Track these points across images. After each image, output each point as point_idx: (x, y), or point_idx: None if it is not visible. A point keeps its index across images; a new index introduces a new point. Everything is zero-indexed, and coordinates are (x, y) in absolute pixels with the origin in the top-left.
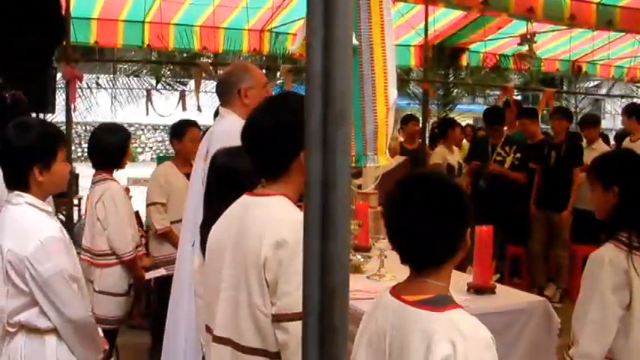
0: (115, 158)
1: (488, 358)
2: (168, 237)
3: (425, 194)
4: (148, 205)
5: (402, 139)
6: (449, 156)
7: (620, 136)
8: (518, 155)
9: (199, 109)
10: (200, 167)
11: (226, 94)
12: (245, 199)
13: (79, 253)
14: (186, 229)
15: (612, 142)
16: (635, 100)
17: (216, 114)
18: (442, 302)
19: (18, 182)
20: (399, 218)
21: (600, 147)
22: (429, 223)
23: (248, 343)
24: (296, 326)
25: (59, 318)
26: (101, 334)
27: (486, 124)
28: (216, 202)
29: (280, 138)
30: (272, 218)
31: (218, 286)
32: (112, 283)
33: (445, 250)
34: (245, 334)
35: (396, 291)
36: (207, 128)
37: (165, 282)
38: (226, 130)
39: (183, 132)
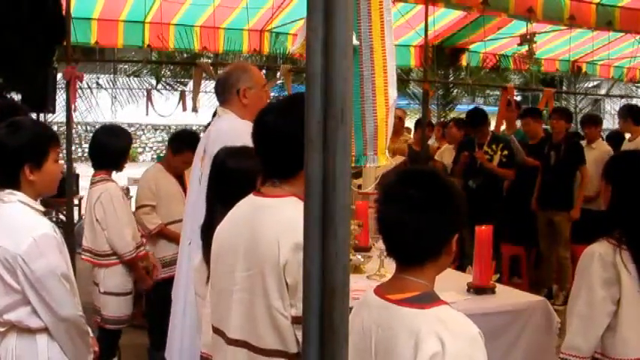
0: (117, 160)
1: (478, 353)
2: (164, 235)
3: (415, 187)
4: (136, 208)
5: (411, 139)
6: (447, 155)
7: (615, 136)
8: (505, 152)
9: (195, 110)
10: (197, 167)
11: (225, 93)
12: (252, 200)
13: (79, 254)
14: (185, 229)
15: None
16: (634, 100)
17: (215, 114)
18: (427, 299)
19: (9, 181)
20: (386, 207)
21: (601, 146)
22: (413, 215)
23: (266, 345)
24: None
25: (50, 316)
26: (91, 334)
27: (471, 127)
28: (218, 202)
29: (300, 140)
30: (288, 220)
31: (230, 289)
32: (116, 283)
33: (427, 248)
34: (263, 336)
35: (380, 290)
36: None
37: (165, 282)
38: (225, 129)
39: (179, 150)
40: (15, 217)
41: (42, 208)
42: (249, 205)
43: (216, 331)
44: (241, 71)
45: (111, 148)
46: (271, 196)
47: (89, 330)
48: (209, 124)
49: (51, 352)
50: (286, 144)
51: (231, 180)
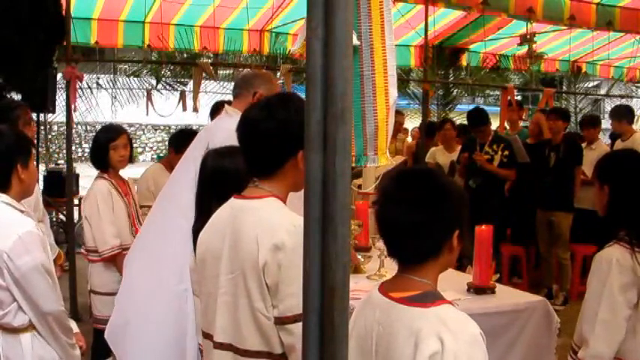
0: (97, 158)
1: (478, 353)
2: None
3: (413, 188)
4: (140, 207)
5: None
6: (439, 156)
7: (616, 136)
8: (506, 153)
9: (195, 110)
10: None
11: (242, 90)
12: (234, 203)
13: (79, 253)
14: (178, 225)
15: (608, 140)
16: (634, 100)
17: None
18: (429, 298)
19: (1, 183)
20: (384, 208)
21: (600, 147)
22: (411, 215)
23: (251, 347)
24: (300, 327)
25: (34, 311)
26: (76, 330)
27: (470, 127)
28: (215, 202)
29: (283, 135)
30: (267, 222)
31: (215, 293)
32: (100, 282)
33: (426, 246)
34: (247, 338)
35: (384, 288)
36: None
37: None
38: (232, 128)
39: (181, 149)
40: (0, 216)
41: (24, 209)
42: (230, 208)
43: (206, 335)
44: (266, 80)
45: (93, 145)
46: (251, 197)
47: (72, 325)
48: None
49: (37, 349)
50: (266, 140)
51: (227, 180)
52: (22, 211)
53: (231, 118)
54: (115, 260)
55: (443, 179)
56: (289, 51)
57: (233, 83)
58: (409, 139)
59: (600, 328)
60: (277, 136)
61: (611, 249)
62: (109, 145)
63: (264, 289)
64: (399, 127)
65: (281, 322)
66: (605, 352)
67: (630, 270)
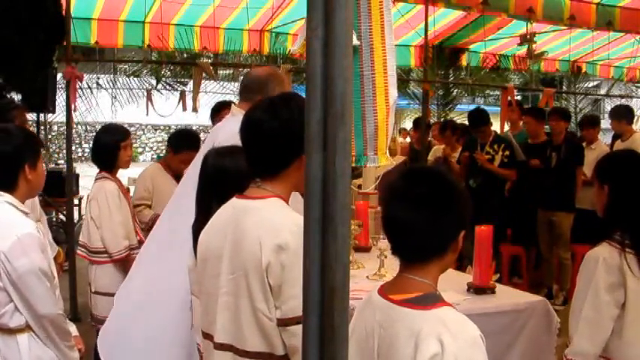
0: (105, 158)
1: (478, 355)
2: None
3: (422, 186)
4: (133, 207)
5: (408, 139)
6: (439, 154)
7: (619, 136)
8: (507, 153)
9: (195, 110)
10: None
11: (253, 93)
12: (236, 203)
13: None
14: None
15: (610, 141)
16: (634, 100)
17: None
18: (429, 300)
19: (7, 184)
20: (392, 206)
21: (600, 147)
22: (420, 214)
23: (252, 348)
24: None
25: (31, 313)
26: (75, 333)
27: (471, 128)
28: (216, 202)
29: (288, 135)
30: (271, 222)
31: (216, 293)
32: (106, 283)
33: (433, 245)
34: (248, 338)
35: (384, 290)
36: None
37: None
38: (235, 128)
39: (179, 150)
40: (0, 217)
41: (27, 210)
42: (232, 208)
43: (206, 336)
44: (279, 82)
45: (100, 145)
46: (254, 197)
47: (71, 329)
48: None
49: (34, 350)
50: (271, 141)
51: (228, 179)
52: (25, 213)
53: (234, 117)
54: (123, 261)
55: (452, 178)
56: (289, 51)
57: (234, 83)
58: (408, 139)
59: (583, 326)
60: (282, 135)
61: (600, 248)
62: (121, 145)
63: (267, 289)
64: None
65: (284, 323)
66: (589, 349)
67: (617, 269)
